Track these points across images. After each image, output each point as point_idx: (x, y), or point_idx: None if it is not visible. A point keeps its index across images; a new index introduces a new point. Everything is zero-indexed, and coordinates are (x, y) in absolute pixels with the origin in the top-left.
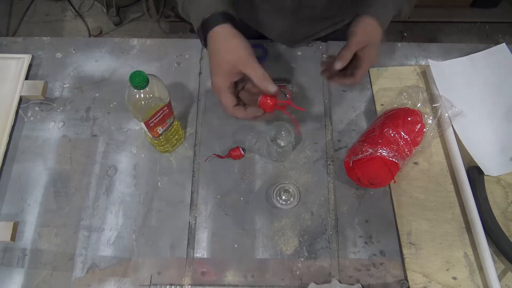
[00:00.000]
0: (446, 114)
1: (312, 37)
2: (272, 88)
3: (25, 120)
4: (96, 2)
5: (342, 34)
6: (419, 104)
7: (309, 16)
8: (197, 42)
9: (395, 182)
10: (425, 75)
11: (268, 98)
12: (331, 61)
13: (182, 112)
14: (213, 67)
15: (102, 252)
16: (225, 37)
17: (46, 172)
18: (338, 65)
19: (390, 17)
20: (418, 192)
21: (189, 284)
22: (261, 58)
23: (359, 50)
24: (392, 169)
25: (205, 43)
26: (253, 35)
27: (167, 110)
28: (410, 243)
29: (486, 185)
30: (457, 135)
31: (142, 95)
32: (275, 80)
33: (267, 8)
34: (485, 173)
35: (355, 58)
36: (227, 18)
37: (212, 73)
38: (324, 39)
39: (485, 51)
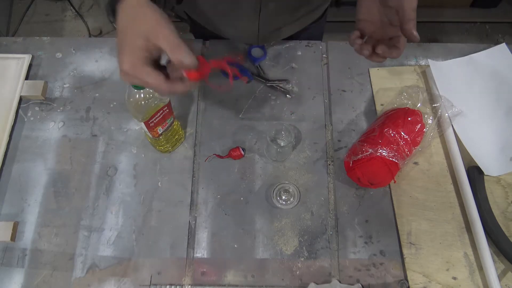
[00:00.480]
0: (446, 114)
1: (279, 33)
2: (186, 59)
3: (25, 120)
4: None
5: (314, 34)
6: (419, 104)
7: (272, 9)
8: (197, 42)
9: (395, 182)
10: (425, 75)
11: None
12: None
13: (182, 112)
14: (122, 45)
15: (102, 252)
16: (135, 7)
17: (46, 172)
18: (415, 31)
19: None
20: (418, 192)
21: (189, 284)
22: (261, 58)
23: (386, 8)
24: (392, 169)
25: (114, 19)
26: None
27: (167, 110)
28: (410, 243)
29: (486, 185)
30: (457, 135)
31: (142, 95)
32: (275, 80)
33: (227, 7)
34: (485, 173)
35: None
36: None
37: (120, 53)
38: (308, 31)
39: (485, 51)
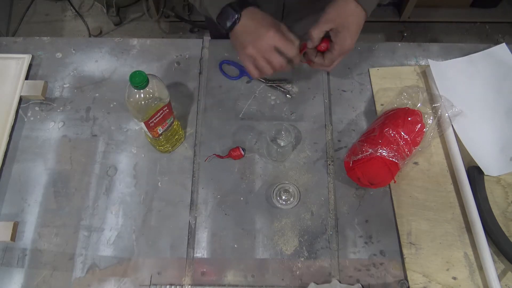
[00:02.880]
0: (446, 114)
1: (303, 37)
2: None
3: (25, 120)
4: (96, 2)
5: None
6: (419, 104)
7: (296, 17)
8: (197, 42)
9: (395, 182)
10: (425, 75)
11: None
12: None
13: (182, 112)
14: (257, 31)
15: (102, 252)
16: (260, 13)
17: (46, 172)
18: (309, 44)
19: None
20: (418, 192)
21: (189, 284)
22: None
23: (332, 33)
24: (392, 169)
25: (229, 25)
26: None
27: (167, 110)
28: (410, 243)
29: (486, 185)
30: (457, 135)
31: (142, 95)
32: (275, 80)
33: None
34: (485, 173)
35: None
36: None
37: (257, 37)
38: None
39: (485, 51)
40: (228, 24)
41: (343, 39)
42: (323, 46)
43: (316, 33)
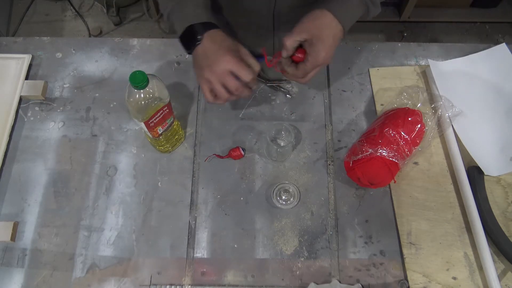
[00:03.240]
0: (446, 114)
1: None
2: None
3: (25, 120)
4: (96, 2)
5: None
6: (419, 104)
7: (287, 28)
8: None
9: (395, 182)
10: (425, 75)
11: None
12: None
13: (182, 112)
14: (209, 59)
15: (102, 252)
16: (222, 36)
17: (46, 172)
18: (283, 53)
19: (352, 14)
20: (418, 192)
21: (189, 284)
22: (261, 58)
23: (306, 43)
24: (392, 169)
25: (189, 47)
26: None
27: (167, 110)
28: (410, 243)
29: (486, 185)
30: (457, 135)
31: (142, 95)
32: (275, 80)
33: (246, 27)
34: (485, 173)
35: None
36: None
37: (206, 64)
38: None
39: (485, 51)
40: (190, 45)
41: (317, 51)
42: (299, 56)
43: (290, 42)
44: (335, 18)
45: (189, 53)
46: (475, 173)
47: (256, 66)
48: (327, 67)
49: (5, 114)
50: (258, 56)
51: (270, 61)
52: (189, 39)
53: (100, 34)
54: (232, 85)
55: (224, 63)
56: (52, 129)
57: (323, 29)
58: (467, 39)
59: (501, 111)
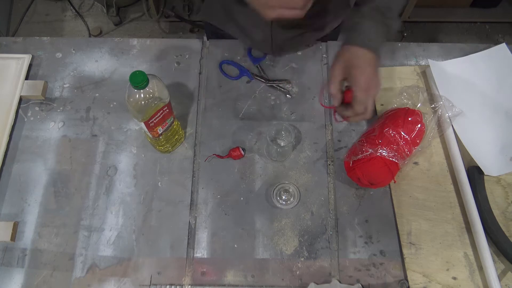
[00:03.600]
0: (446, 114)
1: (296, 45)
2: None
3: (25, 120)
4: (96, 2)
5: (331, 37)
6: (419, 104)
7: (285, 22)
8: (197, 42)
9: (395, 182)
10: (425, 75)
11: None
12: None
13: (182, 112)
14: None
15: (102, 252)
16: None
17: (46, 172)
18: (335, 102)
19: (375, 36)
20: (418, 192)
21: (189, 284)
22: (261, 58)
23: (348, 81)
24: (392, 169)
25: None
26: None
27: (167, 110)
28: (410, 243)
29: (486, 185)
30: (457, 135)
31: (142, 95)
32: (275, 80)
33: (243, 22)
34: (485, 173)
35: None
36: None
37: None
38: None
39: (485, 51)
40: None
41: (356, 78)
42: (350, 96)
43: (333, 88)
44: (361, 48)
45: None
46: (475, 173)
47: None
48: (327, 67)
49: (5, 114)
50: (258, 59)
51: (336, 119)
52: None
53: (100, 34)
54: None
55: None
56: (52, 129)
57: (354, 58)
58: (467, 39)
59: (501, 111)
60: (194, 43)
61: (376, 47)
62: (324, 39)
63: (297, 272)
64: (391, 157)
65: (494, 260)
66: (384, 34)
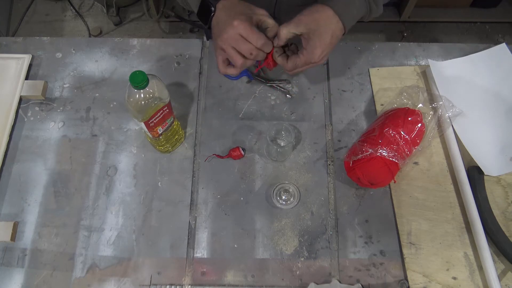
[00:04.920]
0: (446, 114)
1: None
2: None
3: (25, 120)
4: (96, 2)
5: None
6: (419, 104)
7: (288, 15)
8: (197, 42)
9: (395, 182)
10: (425, 75)
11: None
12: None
13: (182, 112)
14: (222, 25)
15: (102, 252)
16: (234, 4)
17: (46, 172)
18: (275, 42)
19: (354, 13)
20: (418, 192)
21: (189, 284)
22: None
23: (303, 38)
24: (392, 169)
25: (207, 22)
26: None
27: (167, 110)
28: (410, 243)
29: (486, 185)
30: (457, 135)
31: (142, 95)
32: (275, 80)
33: None
34: (485, 173)
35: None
36: None
37: (221, 29)
38: None
39: (485, 51)
40: (207, 20)
41: (313, 47)
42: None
43: (284, 33)
44: (336, 15)
45: (209, 28)
46: (475, 173)
47: (274, 27)
48: (327, 67)
49: (5, 114)
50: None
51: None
52: (206, 13)
53: (100, 34)
54: (243, 48)
55: (232, 28)
56: (52, 129)
57: (322, 25)
58: (467, 39)
59: (501, 111)
60: (194, 43)
61: (348, 22)
62: None
63: (297, 272)
64: (391, 157)
65: (494, 260)
66: (362, 13)
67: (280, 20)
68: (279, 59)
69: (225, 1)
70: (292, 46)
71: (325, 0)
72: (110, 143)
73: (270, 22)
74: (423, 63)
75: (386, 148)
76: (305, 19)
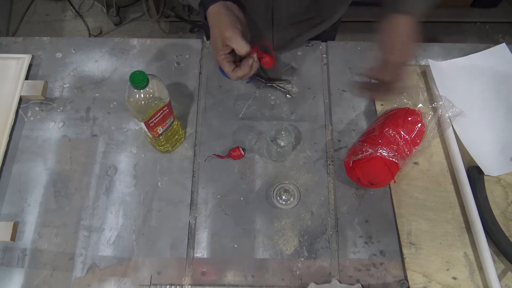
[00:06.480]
0: (446, 114)
1: (295, 40)
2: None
3: (25, 120)
4: (96, 2)
5: (329, 35)
6: (419, 104)
7: (286, 23)
8: (197, 42)
9: (395, 182)
10: (425, 75)
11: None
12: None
13: (182, 112)
14: (211, 42)
15: (102, 252)
16: (216, 16)
17: (46, 172)
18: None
19: (425, 5)
20: (418, 192)
21: (189, 284)
22: None
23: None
24: (392, 169)
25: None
26: None
27: (167, 110)
28: (410, 243)
29: (486, 185)
30: (457, 135)
31: (142, 95)
32: (275, 80)
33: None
34: (485, 173)
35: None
36: None
37: (212, 48)
38: (323, 34)
39: (485, 51)
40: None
41: (396, 47)
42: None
43: (370, 75)
44: (414, 18)
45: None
46: (475, 173)
47: (242, 49)
48: (327, 67)
49: (5, 114)
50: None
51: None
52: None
53: (100, 34)
54: (226, 71)
55: (214, 52)
56: (52, 129)
57: (405, 38)
58: (467, 39)
59: (501, 111)
60: (194, 43)
61: (421, 13)
62: (324, 38)
63: (297, 272)
64: (391, 157)
65: (494, 260)
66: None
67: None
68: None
69: (212, 8)
70: None
71: (397, 2)
72: (110, 143)
73: (238, 45)
74: (423, 63)
75: (386, 148)
76: (397, 58)
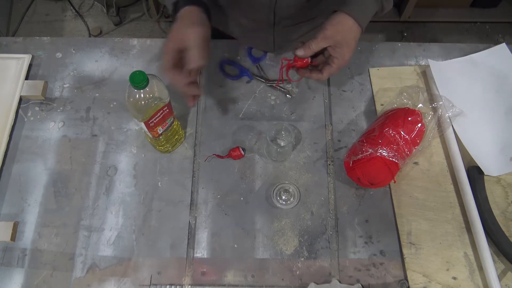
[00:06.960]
0: (446, 114)
1: (296, 40)
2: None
3: (25, 120)
4: (96, 2)
5: None
6: (419, 104)
7: (287, 24)
8: None
9: (395, 182)
10: (425, 75)
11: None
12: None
13: (182, 112)
14: (167, 37)
15: (102, 252)
16: (189, 15)
17: (46, 172)
18: (300, 52)
19: (369, 14)
20: (418, 192)
21: (189, 284)
22: (261, 58)
23: (330, 48)
24: (392, 169)
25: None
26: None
27: (167, 110)
28: (410, 243)
29: (486, 185)
30: (457, 135)
31: (142, 95)
32: (276, 80)
33: (245, 22)
34: (485, 173)
35: (327, 54)
36: (193, 2)
37: (166, 39)
38: None
39: (485, 51)
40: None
41: (343, 55)
42: (306, 61)
43: (313, 46)
44: (356, 22)
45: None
46: (475, 173)
47: (192, 63)
48: None
49: (5, 114)
50: (258, 58)
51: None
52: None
53: (100, 34)
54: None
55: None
56: (52, 129)
57: (347, 34)
58: (467, 39)
59: (501, 111)
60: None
61: (365, 24)
62: None
63: (297, 272)
64: (391, 157)
65: (494, 260)
66: (375, 11)
67: (280, 17)
68: (314, 75)
69: (183, 12)
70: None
71: (340, 4)
72: (110, 143)
73: (191, 57)
74: (423, 63)
75: (386, 148)
76: (330, 33)
